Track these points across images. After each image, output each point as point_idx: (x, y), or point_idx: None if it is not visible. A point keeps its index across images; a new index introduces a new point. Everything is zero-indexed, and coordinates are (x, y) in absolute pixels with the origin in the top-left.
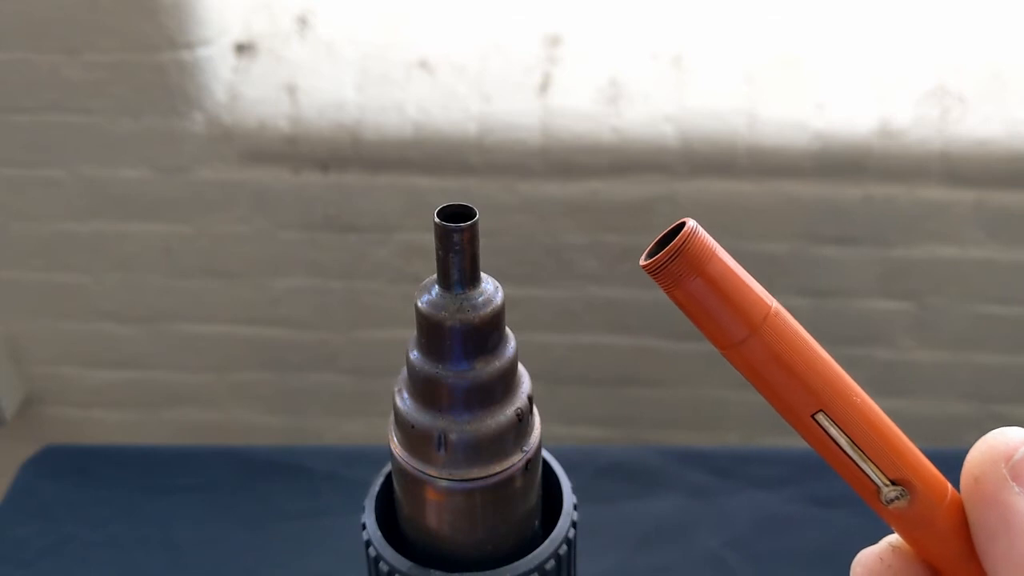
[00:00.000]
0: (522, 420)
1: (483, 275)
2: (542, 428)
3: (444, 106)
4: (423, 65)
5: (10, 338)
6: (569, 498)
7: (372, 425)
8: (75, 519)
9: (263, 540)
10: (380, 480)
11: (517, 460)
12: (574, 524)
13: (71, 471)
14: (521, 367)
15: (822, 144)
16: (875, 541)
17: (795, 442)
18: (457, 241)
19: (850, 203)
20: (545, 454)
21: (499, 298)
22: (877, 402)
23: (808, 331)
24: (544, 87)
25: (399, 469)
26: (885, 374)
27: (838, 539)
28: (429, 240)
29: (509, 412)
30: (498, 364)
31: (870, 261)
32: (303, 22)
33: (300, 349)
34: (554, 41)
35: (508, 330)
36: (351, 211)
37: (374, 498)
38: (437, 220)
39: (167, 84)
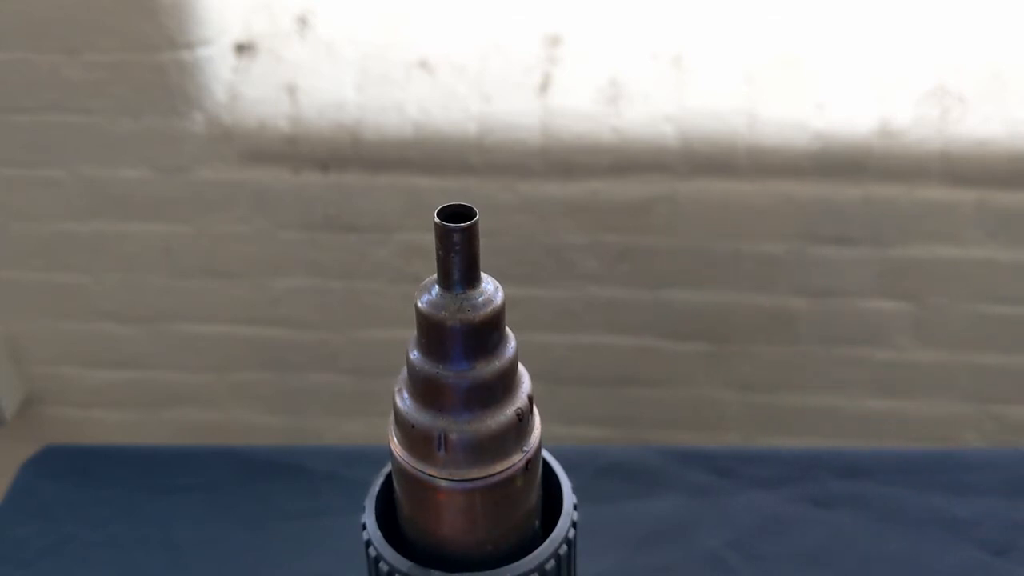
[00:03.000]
0: (522, 420)
1: (483, 275)
2: (542, 428)
3: (444, 106)
4: (423, 65)
5: (10, 338)
6: (569, 498)
7: (372, 425)
8: (75, 519)
9: (263, 540)
10: (380, 480)
11: (517, 460)
12: (574, 524)
13: (71, 471)
14: (521, 367)
15: (822, 144)
16: (874, 542)
17: (796, 442)
18: (457, 241)
19: (850, 203)
20: (545, 454)
21: (499, 298)
22: (877, 402)
23: (808, 331)
24: (544, 87)
25: (399, 469)
26: (885, 374)
27: (838, 539)
28: (429, 240)
29: (509, 412)
30: (498, 364)
31: (869, 261)
32: (303, 22)
33: (300, 349)
34: (554, 41)
35: (508, 330)
36: (351, 211)
37: (374, 498)
38: (437, 220)
39: (167, 84)
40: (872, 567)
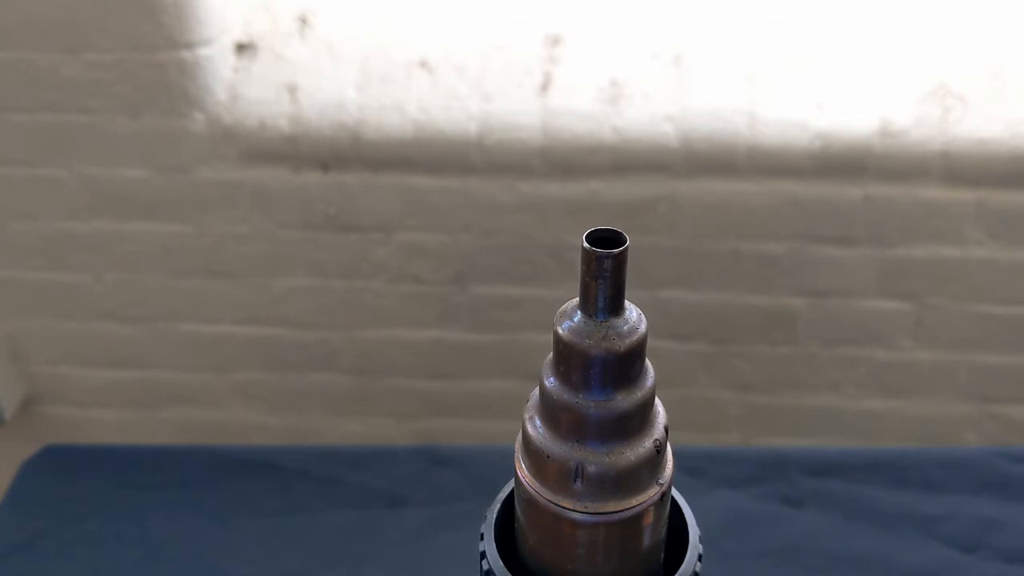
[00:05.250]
0: (660, 452)
1: (626, 302)
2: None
3: (445, 106)
4: (424, 65)
5: (10, 338)
6: (694, 530)
7: (372, 425)
8: (75, 518)
9: (235, 537)
10: (497, 507)
11: (653, 493)
12: (700, 557)
13: (71, 471)
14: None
15: (822, 144)
16: (842, 540)
17: (796, 442)
18: (607, 268)
19: (850, 203)
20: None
21: (643, 327)
22: (877, 402)
23: (808, 331)
24: (544, 87)
25: (528, 499)
26: (885, 374)
27: (808, 537)
28: (429, 240)
29: (647, 443)
30: (639, 394)
31: (870, 261)
32: (303, 22)
33: (300, 349)
34: (554, 41)
35: (647, 359)
36: (351, 211)
37: (492, 526)
38: (586, 245)
39: (167, 84)
40: (841, 565)
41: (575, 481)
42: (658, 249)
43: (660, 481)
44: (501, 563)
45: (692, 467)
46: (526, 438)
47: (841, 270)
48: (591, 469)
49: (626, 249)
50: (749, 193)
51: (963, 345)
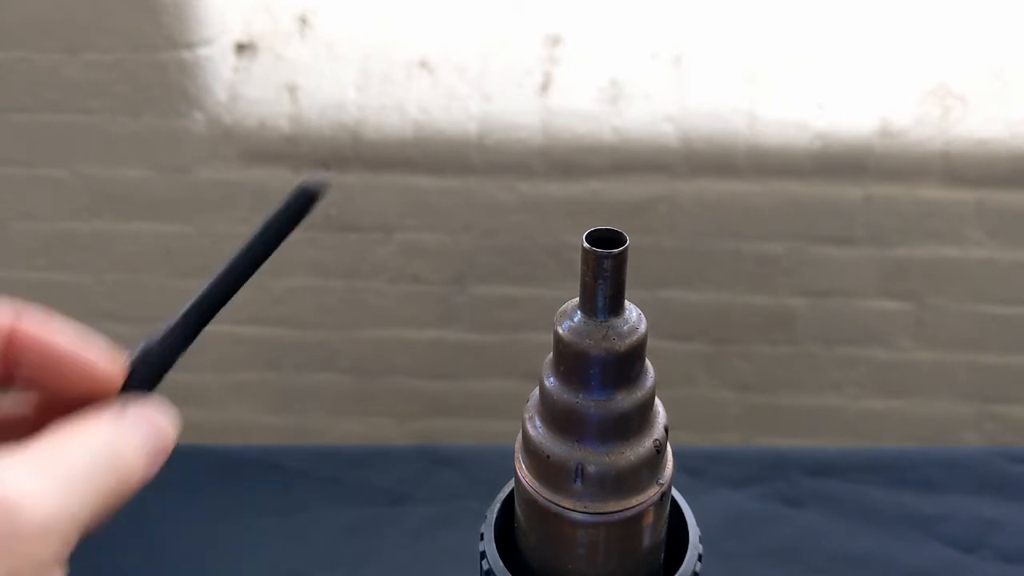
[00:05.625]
0: (660, 452)
1: (626, 302)
2: None
3: (445, 106)
4: (424, 65)
5: None
6: (694, 530)
7: (372, 425)
8: None
9: (236, 536)
10: (497, 506)
11: (653, 493)
12: (700, 557)
13: None
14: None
15: (822, 144)
16: (842, 540)
17: (795, 442)
18: (607, 268)
19: (850, 203)
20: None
21: (643, 327)
22: (877, 402)
23: (808, 331)
24: (544, 87)
25: (528, 499)
26: (885, 374)
27: (808, 537)
28: (429, 240)
29: (647, 443)
30: (639, 394)
31: (870, 261)
32: (303, 22)
33: (300, 349)
34: (554, 41)
35: (647, 359)
36: (352, 211)
37: (492, 526)
38: (586, 245)
39: (167, 84)
40: (841, 565)
41: (575, 481)
42: (658, 249)
43: (660, 481)
44: (501, 563)
45: (692, 467)
46: (526, 438)
47: (841, 270)
48: (591, 469)
49: (626, 249)
50: (749, 193)
51: (963, 345)
